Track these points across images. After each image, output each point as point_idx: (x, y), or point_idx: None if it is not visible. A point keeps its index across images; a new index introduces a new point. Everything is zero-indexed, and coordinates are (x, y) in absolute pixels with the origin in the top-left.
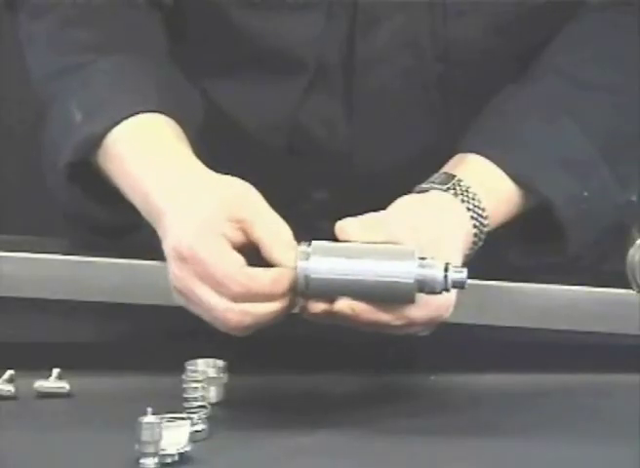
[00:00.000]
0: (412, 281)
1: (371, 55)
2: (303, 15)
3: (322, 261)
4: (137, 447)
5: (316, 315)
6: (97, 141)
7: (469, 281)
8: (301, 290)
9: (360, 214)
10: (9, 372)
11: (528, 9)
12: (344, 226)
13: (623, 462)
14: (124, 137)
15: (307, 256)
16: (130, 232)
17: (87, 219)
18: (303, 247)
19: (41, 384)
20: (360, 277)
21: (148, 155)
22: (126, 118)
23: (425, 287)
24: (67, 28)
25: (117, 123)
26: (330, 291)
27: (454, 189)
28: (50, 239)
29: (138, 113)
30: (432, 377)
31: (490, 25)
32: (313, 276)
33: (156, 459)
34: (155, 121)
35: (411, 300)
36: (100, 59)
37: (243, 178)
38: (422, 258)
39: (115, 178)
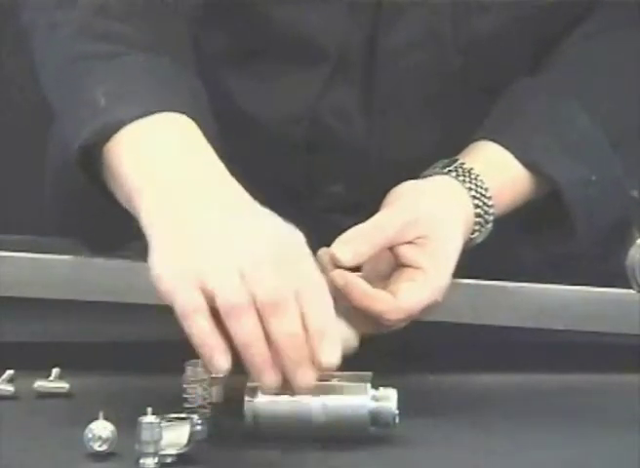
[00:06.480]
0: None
1: (393, 46)
2: (327, 2)
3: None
4: (137, 447)
5: None
6: (117, 128)
7: (469, 281)
8: (249, 423)
9: (376, 207)
10: (9, 372)
11: (549, 2)
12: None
13: (623, 462)
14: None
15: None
16: (126, 241)
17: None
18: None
19: (41, 384)
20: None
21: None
22: (153, 113)
23: (379, 420)
24: (101, 18)
25: (140, 116)
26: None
27: (455, 171)
28: (50, 239)
29: (165, 111)
30: (432, 377)
31: (511, 19)
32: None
33: (156, 459)
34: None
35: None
36: (133, 53)
37: (256, 173)
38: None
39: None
